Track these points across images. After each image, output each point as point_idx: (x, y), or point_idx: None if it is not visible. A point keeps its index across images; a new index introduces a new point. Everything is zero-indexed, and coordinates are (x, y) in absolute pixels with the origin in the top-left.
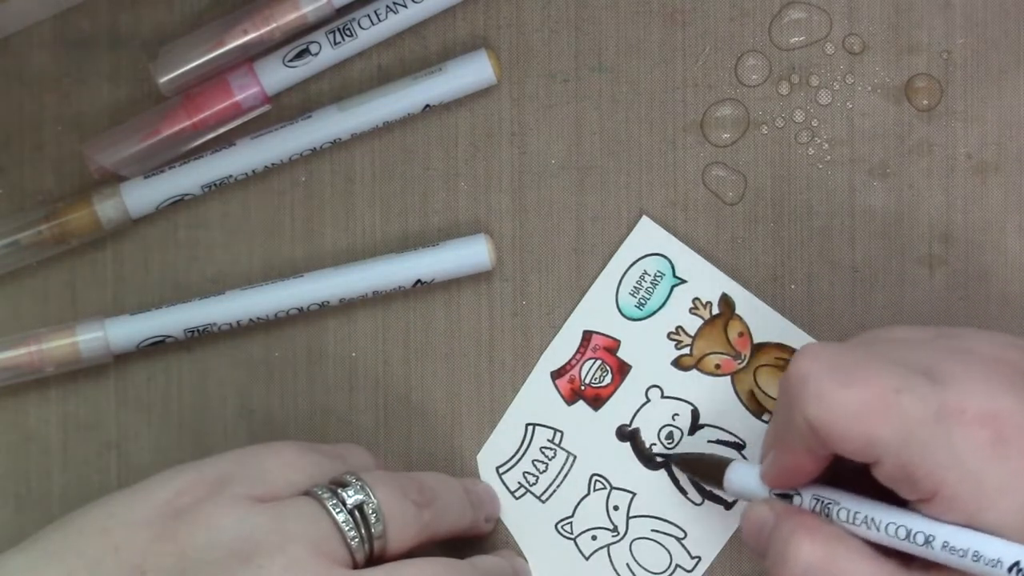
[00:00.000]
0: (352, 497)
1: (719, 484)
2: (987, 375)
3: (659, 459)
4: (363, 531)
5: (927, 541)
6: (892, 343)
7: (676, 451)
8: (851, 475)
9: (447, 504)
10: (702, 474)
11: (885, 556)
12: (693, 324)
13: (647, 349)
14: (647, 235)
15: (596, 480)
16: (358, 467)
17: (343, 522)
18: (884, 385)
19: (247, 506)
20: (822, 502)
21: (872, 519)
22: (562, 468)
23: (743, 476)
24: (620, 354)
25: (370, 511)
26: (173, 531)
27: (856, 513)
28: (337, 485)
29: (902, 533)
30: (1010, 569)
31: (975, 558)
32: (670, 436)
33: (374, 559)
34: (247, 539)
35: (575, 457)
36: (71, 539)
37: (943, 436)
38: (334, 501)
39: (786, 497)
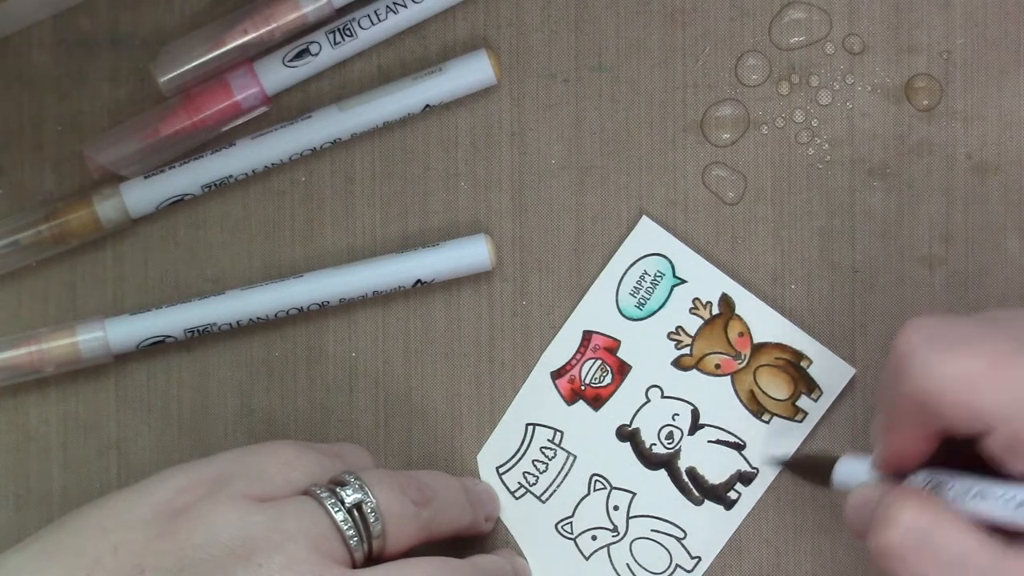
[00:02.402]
0: (351, 496)
1: (826, 482)
2: None
3: (775, 466)
4: (362, 530)
5: None
6: (992, 318)
7: (782, 455)
8: (962, 462)
9: (446, 503)
10: (810, 473)
11: (990, 533)
12: (693, 324)
13: (647, 349)
14: (647, 235)
15: (596, 480)
16: (357, 466)
17: (341, 521)
18: (993, 352)
19: (246, 505)
20: (934, 480)
21: (984, 491)
22: (562, 468)
23: (853, 468)
24: (620, 354)
25: (369, 510)
26: (172, 530)
27: (967, 488)
28: (336, 484)
29: (1013, 503)
30: None
31: None
32: (670, 436)
33: (373, 558)
34: (246, 538)
35: (575, 457)
36: (70, 539)
37: None
38: (332, 500)
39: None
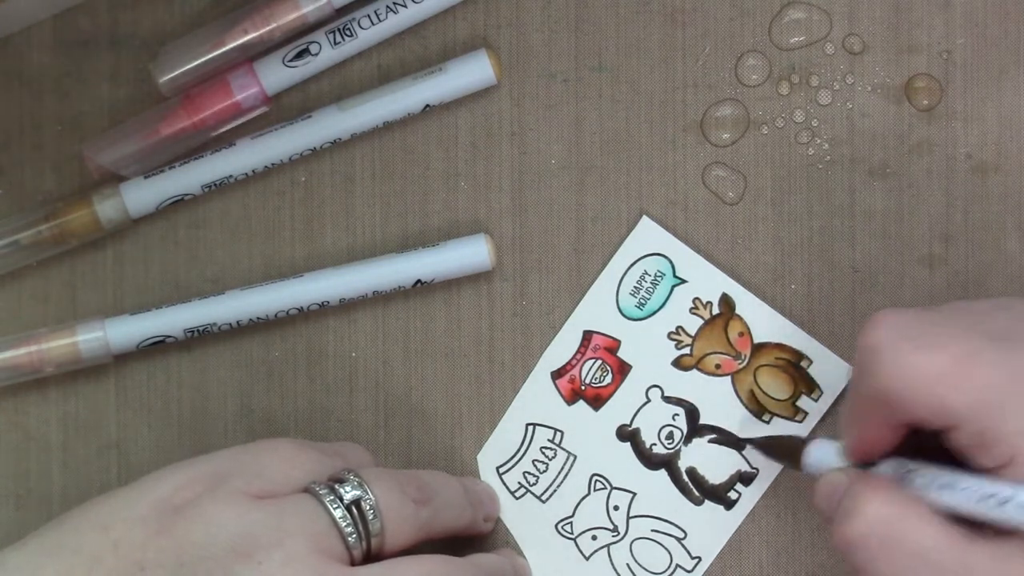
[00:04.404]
0: (349, 493)
1: (796, 464)
2: None
3: (739, 441)
4: (360, 528)
5: (1003, 502)
6: (959, 312)
7: (754, 435)
8: (930, 449)
9: (445, 502)
10: (779, 454)
11: (954, 526)
12: (693, 324)
13: (647, 349)
14: (647, 235)
15: (596, 480)
16: (356, 464)
17: (340, 518)
18: (959, 350)
19: (245, 502)
20: (902, 470)
21: (949, 483)
22: (562, 468)
23: (823, 453)
24: (620, 354)
25: (367, 508)
26: (171, 527)
27: (934, 479)
28: (335, 482)
29: (978, 496)
30: None
31: None
32: (670, 436)
33: (372, 556)
34: (245, 535)
35: (575, 457)
36: (69, 536)
37: (1020, 400)
38: (331, 497)
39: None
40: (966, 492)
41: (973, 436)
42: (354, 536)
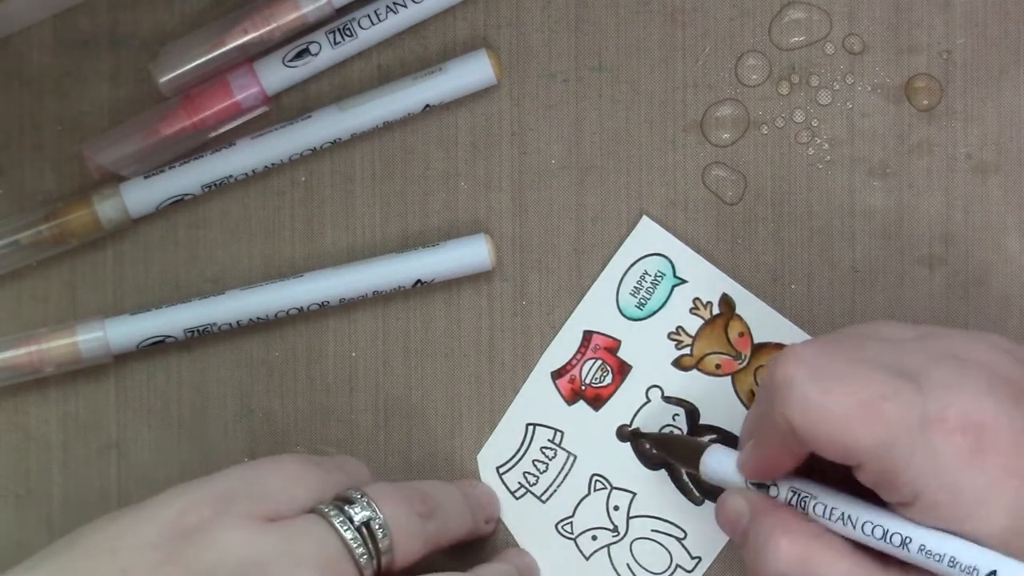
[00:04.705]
0: (359, 514)
1: (694, 467)
2: (972, 381)
3: (633, 435)
4: (371, 548)
5: (903, 543)
6: (878, 343)
7: (652, 432)
8: (830, 468)
9: (449, 512)
10: (678, 456)
11: (864, 554)
12: (693, 324)
13: (647, 349)
14: (647, 235)
15: (596, 480)
16: (357, 480)
17: (351, 540)
18: (869, 392)
19: (254, 526)
20: (799, 495)
21: (849, 516)
22: (562, 468)
23: (719, 462)
24: (620, 354)
25: (377, 527)
26: (180, 554)
27: (833, 509)
28: (342, 501)
29: (878, 533)
30: None
31: (951, 563)
32: None
33: (381, 574)
34: (255, 561)
35: (575, 457)
36: (79, 560)
37: (925, 444)
38: (341, 519)
39: (762, 486)
40: (866, 527)
41: (878, 475)
42: (365, 557)
